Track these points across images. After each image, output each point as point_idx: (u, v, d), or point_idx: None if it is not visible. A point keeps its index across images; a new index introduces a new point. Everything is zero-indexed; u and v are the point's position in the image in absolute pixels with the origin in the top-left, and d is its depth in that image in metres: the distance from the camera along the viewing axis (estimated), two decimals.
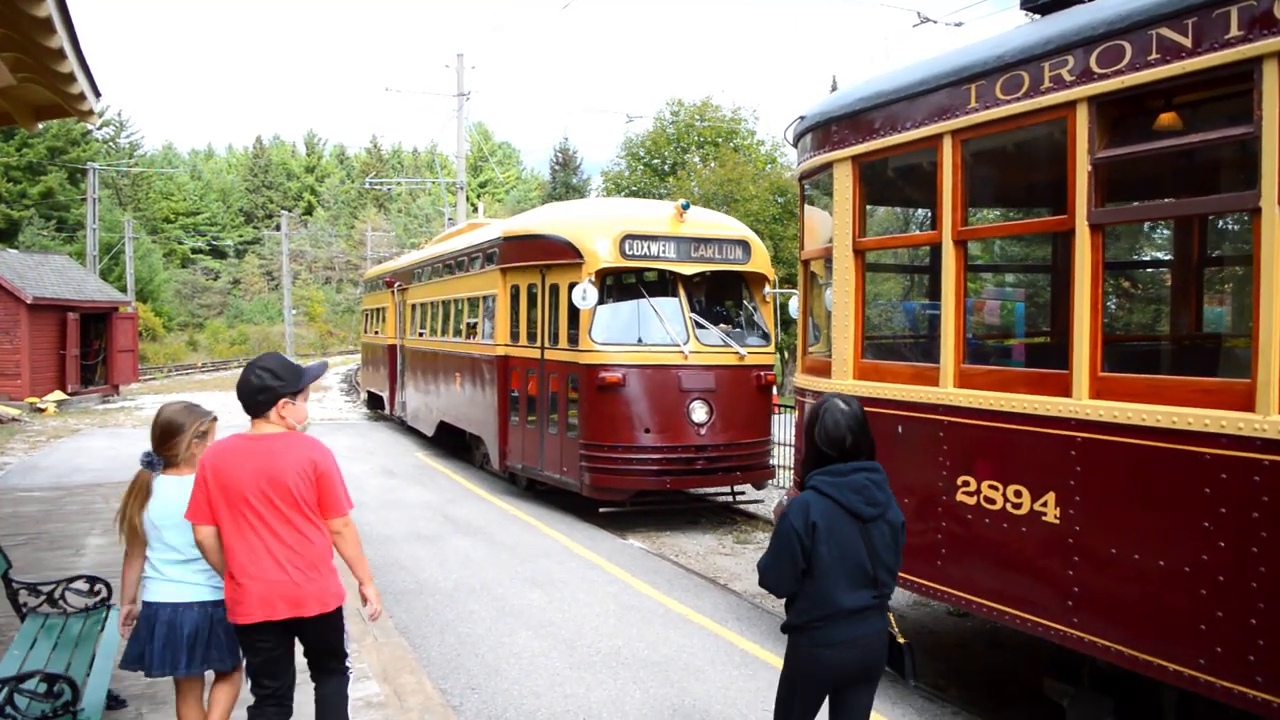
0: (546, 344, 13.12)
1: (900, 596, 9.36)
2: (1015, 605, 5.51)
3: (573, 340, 12.45)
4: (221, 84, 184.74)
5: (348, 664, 4.97)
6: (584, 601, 8.81)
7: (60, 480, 15.03)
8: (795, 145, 7.93)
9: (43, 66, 7.62)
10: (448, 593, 9.11)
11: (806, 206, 7.97)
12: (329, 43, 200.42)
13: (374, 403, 27.75)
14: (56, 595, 5.67)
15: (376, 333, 26.81)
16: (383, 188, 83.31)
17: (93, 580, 5.77)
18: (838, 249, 6.94)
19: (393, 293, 23.92)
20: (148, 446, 5.05)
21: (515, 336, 14.23)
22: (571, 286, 12.21)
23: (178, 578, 4.76)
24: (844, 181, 6.86)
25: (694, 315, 12.50)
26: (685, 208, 12.82)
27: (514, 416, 14.19)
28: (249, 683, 4.72)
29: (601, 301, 12.24)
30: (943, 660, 8.00)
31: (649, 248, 12.45)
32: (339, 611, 4.71)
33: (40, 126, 10.37)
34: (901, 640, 4.35)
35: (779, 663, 7.29)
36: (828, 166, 7.06)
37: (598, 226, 12.73)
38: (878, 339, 8.21)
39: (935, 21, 16.88)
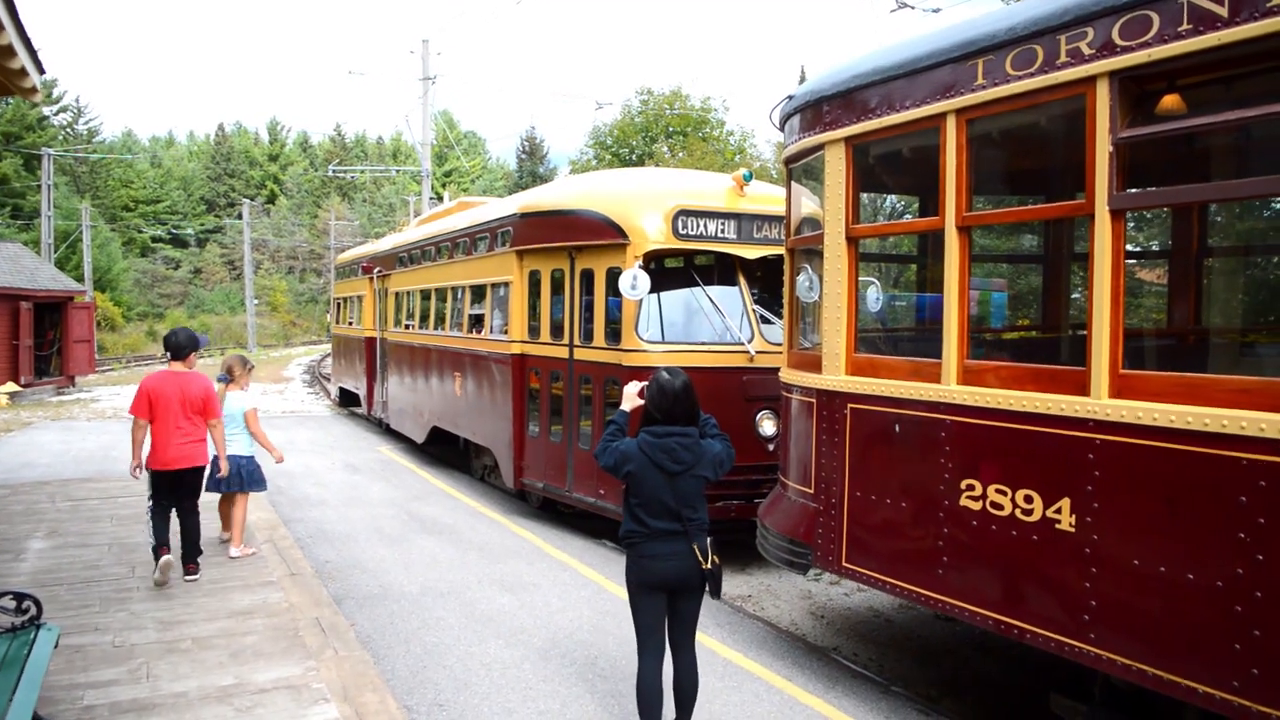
0: (576, 341, 11.26)
1: (886, 599, 9.03)
2: (1023, 618, 5.14)
3: (612, 337, 10.66)
4: (183, 70, 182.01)
5: (198, 503, 8.71)
6: (557, 607, 8.39)
7: (7, 477, 14.38)
8: (782, 127, 7.52)
9: None
10: (414, 597, 8.66)
11: (794, 191, 7.57)
12: (293, 29, 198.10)
13: (347, 399, 25.84)
14: None
15: (351, 323, 24.52)
16: (347, 176, 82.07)
17: (20, 597, 5.27)
18: (829, 237, 6.55)
19: (371, 279, 21.66)
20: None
21: (535, 331, 12.28)
22: (610, 272, 10.61)
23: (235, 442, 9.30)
24: (836, 165, 6.46)
25: (757, 307, 10.69)
26: (747, 179, 10.89)
27: (533, 426, 12.22)
28: (153, 500, 8.52)
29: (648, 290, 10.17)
30: (934, 668, 7.66)
31: (706, 226, 10.52)
32: (203, 468, 8.68)
33: None
34: (706, 566, 5.28)
35: (763, 672, 6.97)
36: (818, 149, 6.65)
37: (645, 200, 10.72)
38: (872, 332, 7.83)
39: (913, 7, 16.48)
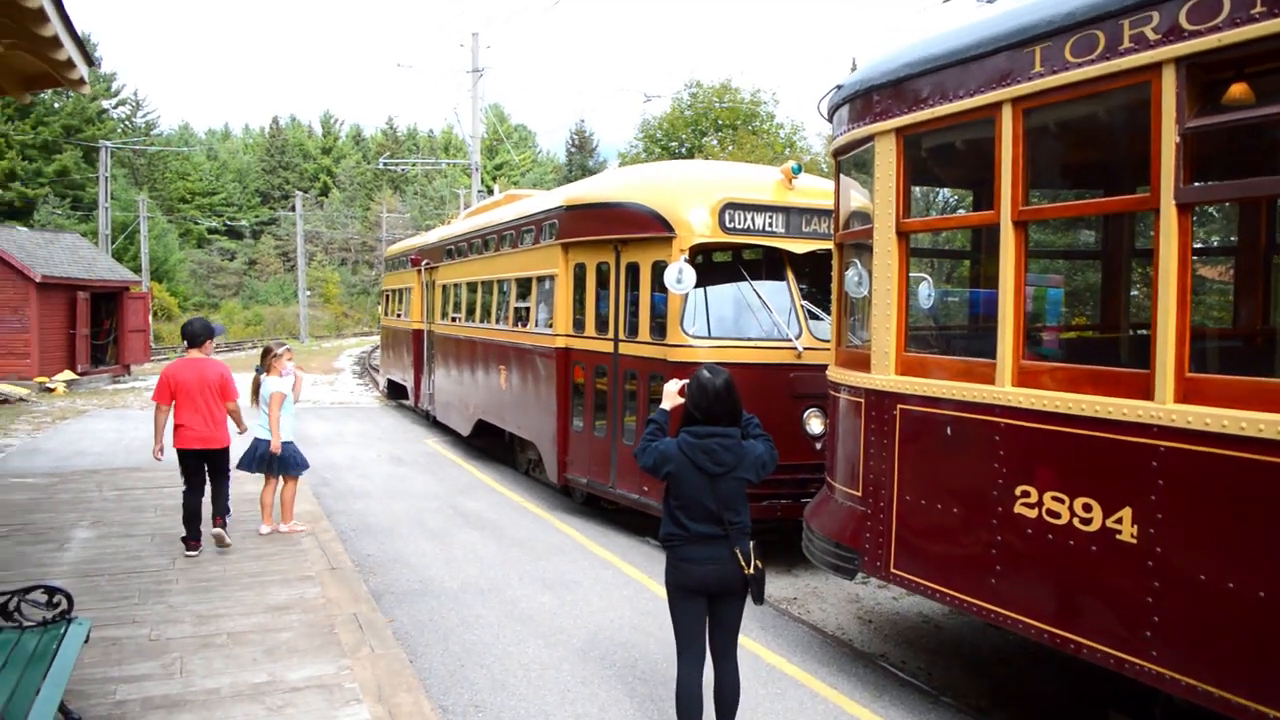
0: (621, 335, 11.10)
1: (935, 605, 8.78)
2: (1080, 632, 4.91)
3: (657, 332, 10.48)
4: (239, 64, 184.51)
5: (228, 478, 9.35)
6: (598, 606, 8.26)
7: (59, 465, 14.56)
8: (830, 118, 7.30)
9: (26, 30, 7.17)
10: (454, 594, 8.57)
11: (843, 184, 7.35)
12: (346, 24, 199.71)
13: (395, 391, 25.84)
14: (11, 608, 5.12)
15: (399, 315, 24.42)
16: (398, 169, 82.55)
17: (51, 591, 5.22)
18: (879, 231, 6.33)
19: (419, 272, 21.55)
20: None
21: (580, 325, 12.17)
22: (655, 266, 10.42)
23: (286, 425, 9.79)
24: (886, 157, 6.24)
25: (805, 303, 10.46)
26: (796, 171, 10.64)
27: (577, 421, 12.14)
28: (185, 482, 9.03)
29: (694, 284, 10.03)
30: (985, 678, 7.42)
31: (754, 219, 10.30)
32: (228, 448, 9.19)
33: (29, 98, 9.99)
34: (749, 571, 5.07)
35: (807, 679, 6.78)
36: (868, 140, 6.44)
37: (691, 193, 10.54)
38: (924, 329, 7.59)
39: None
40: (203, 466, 9.06)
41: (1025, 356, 5.38)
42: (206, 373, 8.97)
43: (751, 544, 5.15)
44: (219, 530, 9.13)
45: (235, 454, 9.44)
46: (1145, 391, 4.55)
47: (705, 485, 5.05)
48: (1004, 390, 5.33)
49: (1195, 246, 7.63)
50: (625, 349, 11.01)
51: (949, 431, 5.76)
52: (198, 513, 8.95)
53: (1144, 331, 6.63)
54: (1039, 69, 5.11)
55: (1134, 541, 4.58)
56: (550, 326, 12.75)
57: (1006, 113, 5.32)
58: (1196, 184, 4.52)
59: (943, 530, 5.85)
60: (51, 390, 27.86)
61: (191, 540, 8.90)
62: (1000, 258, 5.37)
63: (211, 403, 8.96)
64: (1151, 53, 4.51)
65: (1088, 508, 4.82)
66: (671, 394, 5.44)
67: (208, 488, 9.13)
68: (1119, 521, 4.65)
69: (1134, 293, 8.22)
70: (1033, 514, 5.14)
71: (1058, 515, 4.99)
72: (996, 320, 5.45)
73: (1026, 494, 5.18)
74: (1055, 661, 7.62)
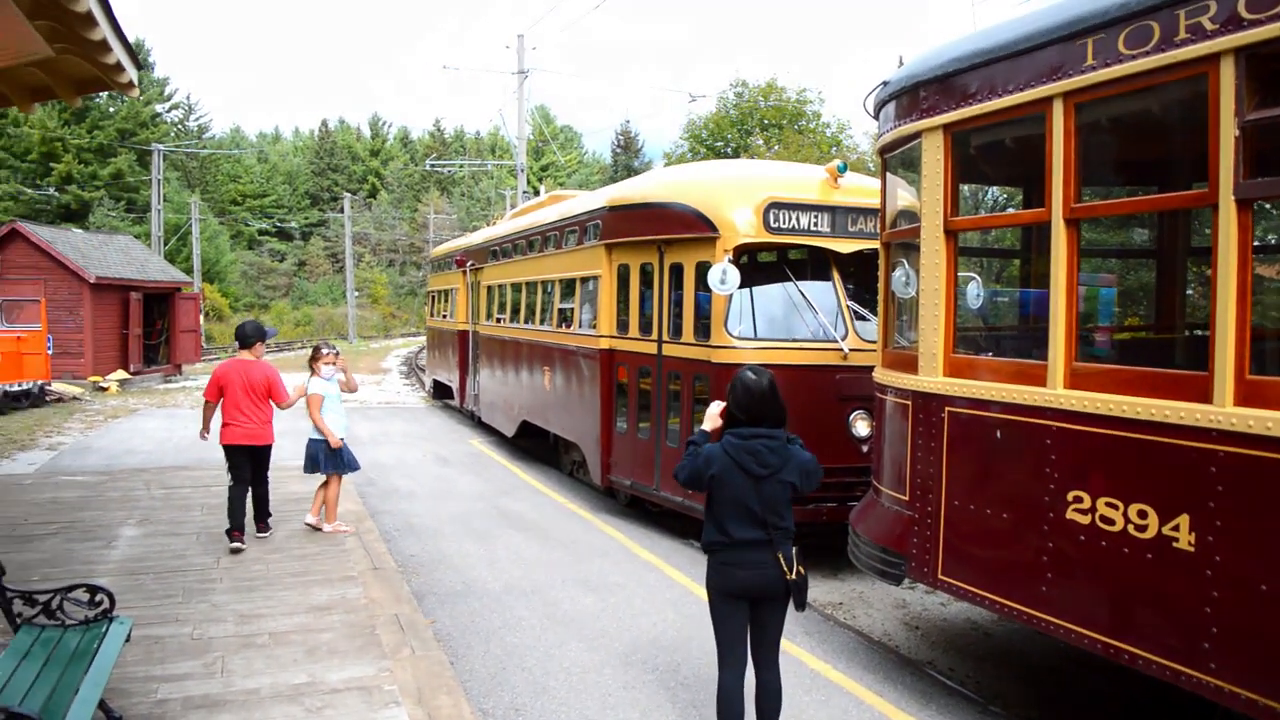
0: (665, 336, 11.01)
1: (984, 611, 8.61)
2: (1134, 642, 4.76)
3: (701, 333, 10.39)
4: (289, 68, 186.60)
5: (268, 475, 9.75)
6: (641, 610, 8.19)
7: (110, 463, 14.77)
8: (876, 115, 7.17)
9: (76, 35, 7.28)
10: (496, 595, 8.54)
11: (889, 182, 7.22)
12: (395, 27, 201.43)
13: (441, 392, 25.87)
14: (54, 606, 5.14)
15: (444, 316, 24.49)
16: (445, 170, 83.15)
17: (94, 590, 5.24)
18: (926, 230, 6.20)
19: (464, 273, 21.50)
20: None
21: (623, 326, 12.01)
22: (699, 266, 10.27)
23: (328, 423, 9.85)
24: (934, 154, 6.11)
25: (851, 303, 10.29)
26: (842, 170, 10.47)
27: (621, 423, 12.03)
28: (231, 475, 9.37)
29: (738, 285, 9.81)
30: (1035, 686, 7.25)
31: (798, 219, 10.14)
32: (270, 446, 9.58)
33: (80, 102, 10.15)
34: (791, 577, 4.97)
35: (853, 686, 6.66)
36: (915, 137, 6.31)
37: (735, 192, 10.40)
38: (972, 330, 7.45)
39: None
40: (247, 462, 9.39)
41: (1078, 358, 5.23)
42: (252, 373, 9.35)
43: (794, 549, 5.05)
44: (262, 535, 9.57)
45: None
46: (1203, 394, 4.40)
47: (750, 488, 4.94)
48: (1056, 393, 5.19)
49: (1254, 244, 7.42)
50: (669, 350, 10.92)
51: (998, 435, 5.62)
52: (241, 506, 9.26)
53: (1201, 332, 6.45)
54: (1091, 62, 4.97)
55: (1191, 549, 4.43)
56: (594, 327, 12.70)
57: (1058, 107, 5.18)
58: (1257, 179, 4.35)
59: (992, 536, 5.71)
60: (105, 389, 28.31)
61: (235, 531, 9.15)
62: (1051, 256, 5.23)
63: (256, 402, 9.33)
64: (1209, 43, 4.36)
65: (1143, 514, 4.67)
66: (713, 416, 5.33)
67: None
68: (1175, 529, 4.50)
69: (1189, 292, 8.01)
70: (1085, 520, 4.99)
71: (1111, 522, 4.84)
72: (1047, 321, 5.32)
73: (1079, 499, 5.03)
74: (1108, 671, 7.43)
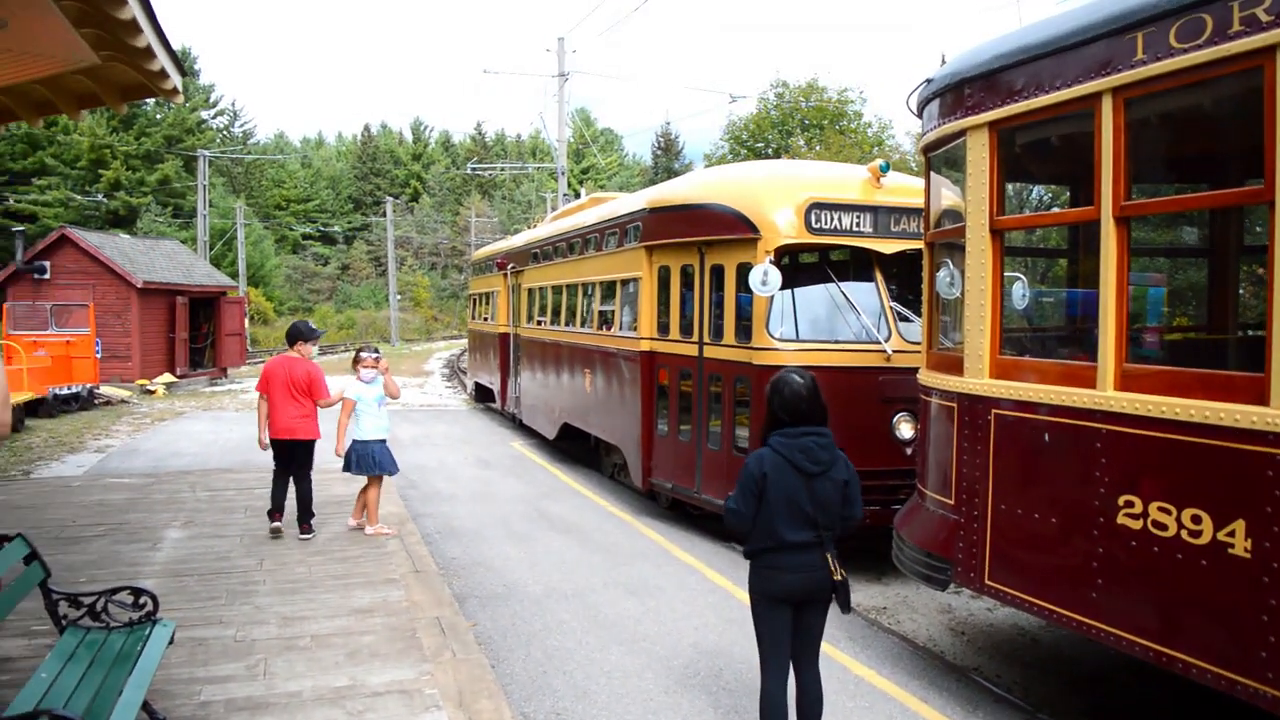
0: (706, 338, 10.93)
1: (1032, 616, 8.48)
2: (1188, 651, 4.64)
3: (742, 335, 10.30)
4: (332, 74, 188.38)
5: (310, 472, 9.89)
6: (683, 613, 8.13)
7: (156, 465, 14.94)
8: (919, 113, 7.08)
9: (121, 43, 7.39)
10: (537, 598, 8.52)
11: (933, 181, 7.13)
12: (436, 31, 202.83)
13: (482, 394, 25.91)
14: (98, 608, 5.18)
15: (485, 319, 24.57)
16: (486, 174, 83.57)
17: (138, 592, 5.27)
18: (971, 230, 6.10)
19: (505, 275, 21.52)
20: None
21: (664, 328, 12.00)
22: (740, 267, 10.21)
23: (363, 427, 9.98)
24: (979, 152, 6.01)
25: (894, 304, 10.20)
26: (884, 170, 10.37)
27: (662, 425, 12.01)
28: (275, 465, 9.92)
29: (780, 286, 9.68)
30: (1084, 694, 7.10)
31: (840, 220, 10.03)
32: (310, 442, 9.81)
33: (126, 109, 10.30)
34: (838, 578, 4.96)
35: (897, 692, 6.56)
36: (959, 135, 6.21)
37: (776, 193, 10.29)
38: (1018, 331, 7.32)
39: None
40: (287, 455, 9.80)
41: (1128, 359, 5.11)
42: (295, 370, 9.71)
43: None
44: (305, 537, 9.73)
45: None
46: (1259, 396, 4.28)
47: (801, 486, 4.89)
48: (1106, 395, 5.08)
49: None
50: (710, 352, 10.86)
51: (1047, 438, 5.51)
52: (279, 490, 9.86)
53: (1255, 333, 6.30)
54: (1141, 56, 4.86)
55: (1248, 556, 4.31)
56: (634, 329, 12.66)
57: (1107, 103, 5.07)
58: None
59: (1041, 541, 5.61)
60: (152, 392, 28.68)
61: (273, 512, 9.83)
62: (1101, 255, 5.12)
63: (297, 397, 9.68)
64: (1263, 35, 4.24)
65: (1197, 519, 4.55)
66: None
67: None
68: (1231, 534, 4.38)
69: (1241, 291, 7.83)
70: (1137, 525, 4.88)
71: (1164, 527, 4.73)
72: (1095, 321, 5.21)
73: (1130, 504, 4.92)
74: (1160, 680, 7.28)
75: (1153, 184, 7.59)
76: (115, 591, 5.28)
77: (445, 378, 38.87)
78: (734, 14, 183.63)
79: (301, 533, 9.71)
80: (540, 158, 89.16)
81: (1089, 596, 5.21)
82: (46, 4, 6.37)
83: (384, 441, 10.02)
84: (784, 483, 4.89)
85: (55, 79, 8.45)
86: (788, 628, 5.10)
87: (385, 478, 10.19)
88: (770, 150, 46.67)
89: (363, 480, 10.12)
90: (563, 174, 34.39)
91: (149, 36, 7.49)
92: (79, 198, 62.01)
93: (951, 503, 6.35)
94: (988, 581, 6.00)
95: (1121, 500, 4.97)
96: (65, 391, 23.21)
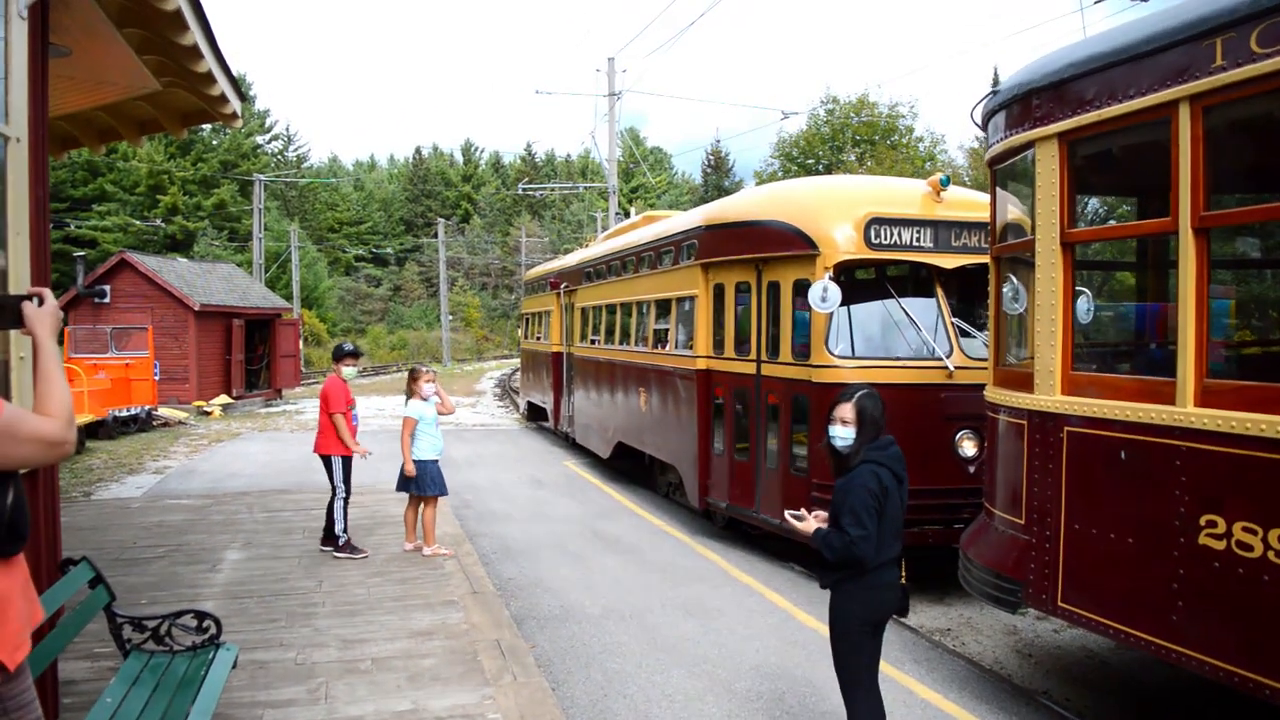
0: (764, 356, 10.80)
1: (1100, 638, 8.26)
2: (1273, 676, 4.45)
3: (800, 352, 10.14)
4: (384, 98, 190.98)
5: (335, 488, 9.95)
6: (742, 635, 8.01)
7: (213, 486, 15.08)
8: (984, 126, 6.95)
9: (182, 69, 7.44)
10: (595, 619, 8.44)
11: (999, 195, 6.99)
12: (486, 54, 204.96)
13: (535, 414, 25.99)
14: (162, 631, 5.18)
15: (539, 338, 24.47)
16: (536, 194, 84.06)
17: (201, 616, 5.27)
18: (1041, 243, 5.96)
19: (558, 295, 21.46)
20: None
21: (720, 346, 11.85)
22: (798, 284, 10.08)
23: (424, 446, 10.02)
24: (1048, 164, 5.88)
25: (955, 320, 10.04)
26: (944, 183, 10.16)
27: (718, 444, 11.84)
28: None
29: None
30: (1156, 718, 6.88)
31: (900, 235, 9.86)
32: (329, 457, 9.97)
33: (185, 134, 10.39)
34: (904, 581, 4.96)
35: (965, 717, 6.38)
36: (1027, 147, 6.08)
37: (834, 208, 10.16)
38: (1090, 346, 7.15)
39: None
40: (326, 468, 10.08)
41: (1208, 374, 4.95)
42: (323, 388, 10.18)
43: None
44: (325, 549, 10.02)
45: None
46: None
47: (899, 497, 4.90)
48: (1185, 411, 4.92)
49: None
50: (767, 370, 10.73)
51: (1122, 456, 5.35)
52: (329, 512, 10.02)
53: None
54: (1221, 63, 4.71)
55: None
56: (690, 348, 12.56)
57: (1184, 112, 4.93)
58: None
59: (1117, 562, 5.43)
60: (209, 414, 29.03)
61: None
62: (1179, 267, 4.97)
63: (323, 413, 10.06)
64: None
65: None
66: (805, 528, 5.03)
67: (341, 488, 10.00)
68: None
69: None
70: (1220, 545, 4.71)
71: (1249, 548, 4.55)
72: (1170, 336, 5.05)
73: (1213, 524, 4.75)
74: (1237, 703, 7.05)
75: (1232, 193, 7.38)
76: (179, 615, 5.28)
77: (497, 397, 39.00)
78: (782, 30, 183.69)
79: (321, 546, 10.07)
80: (590, 177, 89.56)
81: (1168, 619, 5.04)
82: (110, 32, 6.44)
83: (437, 461, 10.04)
84: (893, 495, 4.85)
85: (117, 105, 8.56)
86: (879, 649, 5.05)
87: (439, 498, 10.20)
88: (821, 166, 46.50)
89: (404, 499, 10.25)
90: (614, 193, 34.44)
91: (210, 62, 7.56)
92: (137, 223, 63.19)
93: (1022, 522, 6.19)
94: (1060, 603, 5.83)
95: (1203, 520, 4.80)
96: (124, 413, 23.56)
